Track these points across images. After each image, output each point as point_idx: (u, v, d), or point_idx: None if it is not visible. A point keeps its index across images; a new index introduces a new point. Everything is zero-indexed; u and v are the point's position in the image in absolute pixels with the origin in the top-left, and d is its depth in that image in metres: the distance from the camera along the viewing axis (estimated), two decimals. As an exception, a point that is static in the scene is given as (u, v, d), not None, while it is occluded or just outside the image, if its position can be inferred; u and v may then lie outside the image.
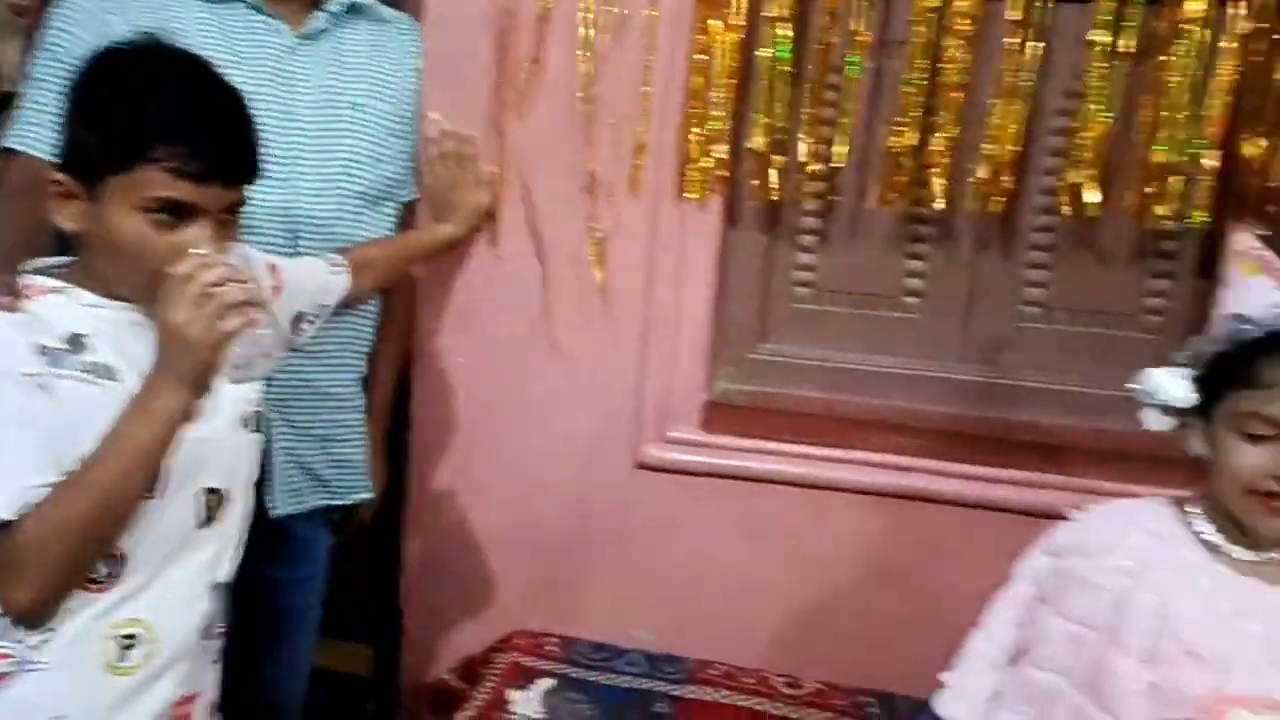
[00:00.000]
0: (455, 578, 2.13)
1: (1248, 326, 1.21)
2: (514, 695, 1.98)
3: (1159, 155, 1.69)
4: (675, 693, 2.00)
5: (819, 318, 2.01)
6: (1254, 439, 1.20)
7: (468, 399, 2.03)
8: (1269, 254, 1.29)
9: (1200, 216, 1.69)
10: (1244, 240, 1.32)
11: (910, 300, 1.98)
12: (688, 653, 2.07)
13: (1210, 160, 1.65)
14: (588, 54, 1.79)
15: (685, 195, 1.77)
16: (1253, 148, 1.64)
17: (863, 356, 2.00)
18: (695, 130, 1.73)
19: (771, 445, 1.93)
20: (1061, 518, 1.80)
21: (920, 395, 1.95)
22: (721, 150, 1.74)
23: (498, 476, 2.06)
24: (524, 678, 2.03)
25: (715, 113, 1.73)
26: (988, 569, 1.86)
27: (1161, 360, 1.88)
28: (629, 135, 1.81)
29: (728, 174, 1.80)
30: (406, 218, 1.85)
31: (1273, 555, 1.26)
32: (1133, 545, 1.26)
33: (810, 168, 1.77)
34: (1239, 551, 1.25)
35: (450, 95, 1.85)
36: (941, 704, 1.44)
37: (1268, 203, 1.67)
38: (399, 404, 2.02)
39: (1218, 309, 1.33)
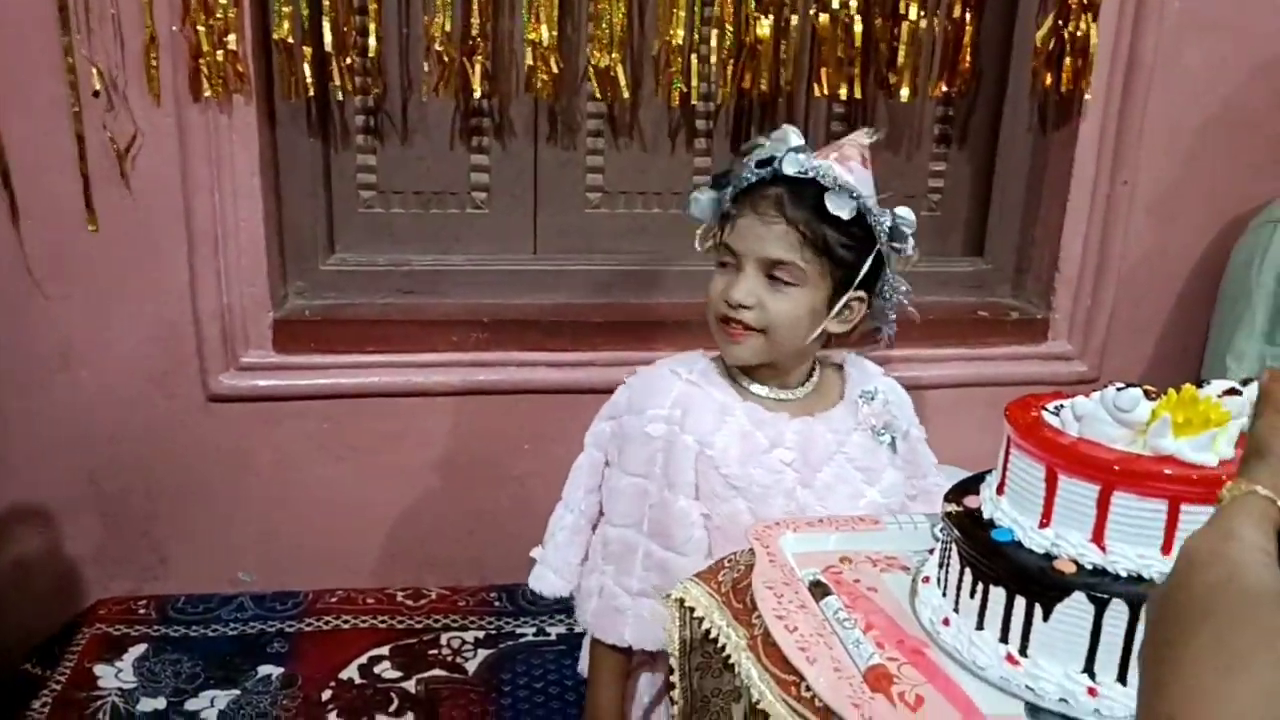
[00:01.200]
0: (13, 559, 1.87)
1: (739, 175, 1.32)
2: (101, 670, 1.80)
3: (677, 37, 1.77)
4: (291, 629, 1.91)
5: (386, 221, 1.95)
6: (722, 268, 1.32)
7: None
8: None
9: (725, 92, 1.80)
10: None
11: (477, 195, 1.96)
12: (303, 586, 1.98)
13: (726, 39, 1.76)
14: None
15: (205, 95, 1.61)
16: (763, 26, 1.77)
17: (436, 258, 1.96)
18: (204, 21, 1.56)
19: (351, 358, 1.86)
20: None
21: (496, 290, 1.95)
22: (233, 42, 1.58)
23: (43, 433, 1.81)
24: (112, 649, 1.84)
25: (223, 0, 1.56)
26: (580, 449, 1.95)
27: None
28: (138, 30, 1.60)
29: (246, 70, 1.63)
30: None
31: (796, 394, 1.39)
32: (674, 395, 1.35)
33: (346, 59, 1.68)
34: (765, 390, 1.37)
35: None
36: (534, 579, 1.47)
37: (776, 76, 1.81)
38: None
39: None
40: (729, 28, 1.76)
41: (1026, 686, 0.86)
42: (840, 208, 1.26)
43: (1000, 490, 0.93)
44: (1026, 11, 1.91)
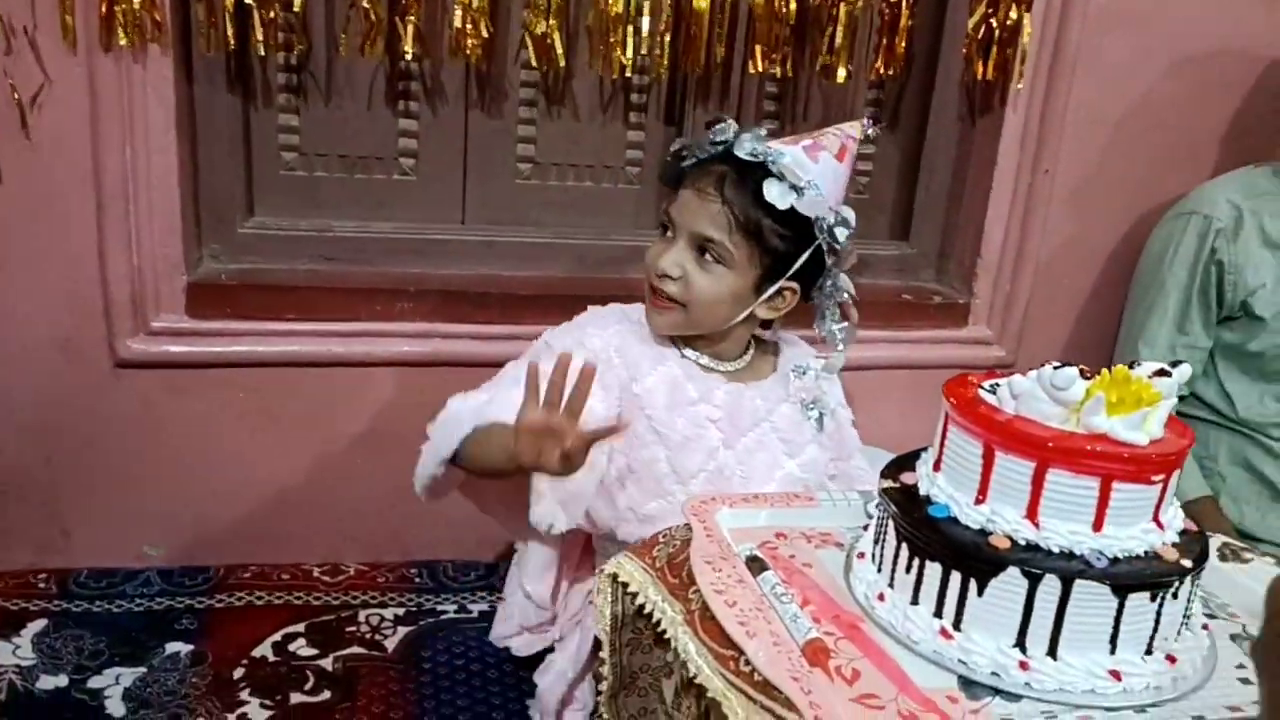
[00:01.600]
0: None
1: (692, 151, 1.34)
2: (-5, 646, 1.72)
3: (616, 5, 1.74)
4: (201, 605, 1.85)
5: (309, 184, 1.88)
6: (662, 234, 1.34)
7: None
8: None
9: (661, 66, 1.78)
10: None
11: (405, 161, 1.91)
12: (214, 561, 1.92)
13: (664, 11, 1.74)
14: None
15: (119, 43, 1.52)
16: (700, 1, 1.75)
17: (360, 224, 1.91)
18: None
19: (269, 326, 1.79)
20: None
21: (422, 260, 1.91)
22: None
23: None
24: (9, 624, 1.76)
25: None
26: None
27: (643, 209, 2.05)
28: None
29: (163, 18, 1.55)
30: None
31: (728, 366, 1.40)
32: (616, 327, 1.36)
33: (268, 12, 1.61)
34: (697, 355, 1.37)
35: None
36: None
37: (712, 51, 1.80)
38: None
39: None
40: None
41: (959, 660, 0.87)
42: (777, 196, 1.27)
43: (937, 467, 0.94)
44: (958, -1, 1.93)
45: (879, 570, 0.95)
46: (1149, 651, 0.86)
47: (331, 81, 1.81)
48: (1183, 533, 0.89)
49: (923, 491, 0.93)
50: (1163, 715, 0.83)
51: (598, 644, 1.16)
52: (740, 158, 1.29)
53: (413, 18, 1.69)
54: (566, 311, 1.89)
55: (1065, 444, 0.84)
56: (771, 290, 1.33)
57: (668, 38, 1.77)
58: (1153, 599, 0.84)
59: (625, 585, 1.10)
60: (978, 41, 1.88)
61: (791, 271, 1.33)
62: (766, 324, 1.44)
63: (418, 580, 1.92)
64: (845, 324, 1.40)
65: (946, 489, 0.91)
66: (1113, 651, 0.85)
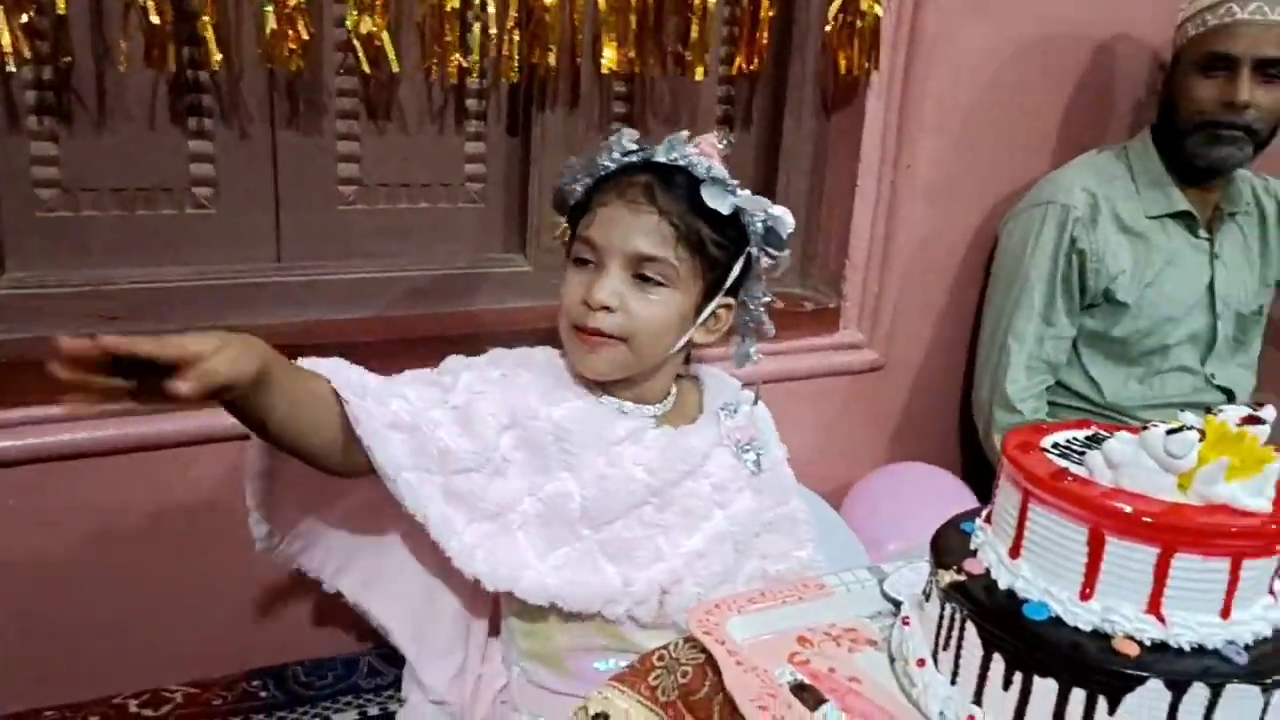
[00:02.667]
0: None
1: (604, 160, 1.17)
2: None
3: (452, 1, 1.50)
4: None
5: (75, 227, 1.50)
6: (579, 265, 1.16)
7: None
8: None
9: (511, 68, 1.55)
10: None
11: (201, 192, 1.57)
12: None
13: (512, 10, 1.51)
14: None
15: None
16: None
17: (148, 272, 1.55)
18: None
19: (38, 411, 1.41)
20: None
21: (231, 309, 1.58)
22: None
23: None
24: None
25: None
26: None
27: (489, 231, 1.81)
28: None
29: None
30: None
31: (655, 409, 1.22)
32: (535, 375, 1.19)
33: (20, 17, 1.24)
34: (625, 406, 1.19)
35: None
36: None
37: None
38: None
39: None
40: (510, -7, 1.51)
41: (1092, 792, 0.72)
42: (718, 201, 1.12)
43: (1015, 553, 0.78)
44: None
45: (953, 683, 0.79)
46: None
47: (102, 99, 1.44)
48: (1283, 595, 0.78)
49: (1004, 585, 0.78)
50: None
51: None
52: (664, 163, 1.14)
53: (208, 18, 1.36)
54: (416, 357, 1.63)
55: (1196, 523, 0.71)
56: (709, 310, 1.18)
57: (515, 36, 1.53)
58: (1294, 689, 0.73)
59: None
60: (835, 33, 1.76)
61: (728, 285, 1.18)
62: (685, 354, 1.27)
63: (264, 694, 1.59)
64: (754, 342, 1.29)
65: (1037, 582, 0.76)
66: (1257, 758, 0.73)
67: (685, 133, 1.17)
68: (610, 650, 1.16)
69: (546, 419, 1.14)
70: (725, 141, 1.22)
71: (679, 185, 1.12)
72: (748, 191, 1.16)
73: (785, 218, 1.18)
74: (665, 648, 0.90)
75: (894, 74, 1.85)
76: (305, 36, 1.39)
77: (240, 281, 1.60)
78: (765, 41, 1.73)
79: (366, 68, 1.46)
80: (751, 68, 1.75)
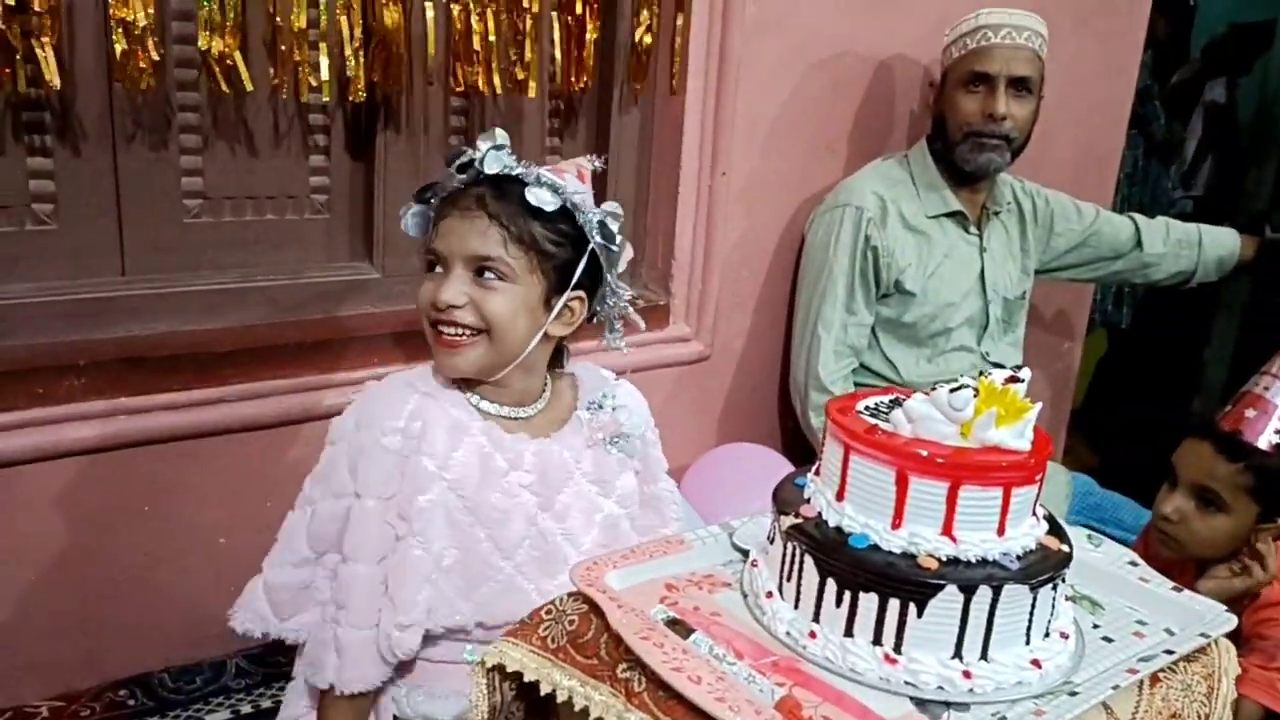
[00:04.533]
0: None
1: (443, 181, 1.27)
2: None
3: (299, 20, 1.57)
4: None
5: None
6: (430, 272, 1.27)
7: None
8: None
9: (358, 87, 1.63)
10: None
11: (41, 208, 1.57)
12: None
13: (357, 32, 1.59)
14: None
15: None
16: (392, 14, 1.62)
17: (-10, 288, 1.54)
18: None
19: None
20: (293, 423, 1.70)
21: (78, 324, 1.58)
22: None
23: None
24: None
25: None
26: (214, 500, 1.67)
27: (336, 240, 1.87)
28: None
29: None
30: None
31: (531, 410, 1.32)
32: (410, 407, 1.24)
33: None
34: (500, 409, 1.29)
35: None
36: (238, 620, 1.30)
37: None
38: None
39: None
40: (355, 11, 1.59)
41: (907, 682, 0.90)
42: (541, 200, 1.24)
43: (840, 497, 0.95)
44: (625, 10, 1.96)
45: (796, 607, 0.96)
46: (1046, 635, 0.95)
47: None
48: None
49: (833, 523, 0.95)
50: (1090, 682, 0.92)
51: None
52: (493, 174, 1.25)
53: (48, 39, 1.38)
54: (270, 365, 1.70)
55: (974, 460, 0.90)
56: (560, 304, 1.30)
57: (361, 56, 1.61)
58: (1054, 588, 0.93)
59: (502, 672, 1.01)
60: (648, 51, 1.93)
61: (575, 280, 1.30)
62: (558, 354, 1.39)
63: (132, 703, 1.61)
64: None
65: (859, 518, 0.93)
66: (1028, 643, 0.93)
67: (504, 140, 1.28)
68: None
69: (442, 487, 1.23)
70: (595, 164, 1.35)
71: (510, 191, 1.24)
72: (582, 193, 1.28)
73: (614, 211, 1.31)
74: (552, 602, 1.03)
75: (708, 89, 2.03)
76: (155, 57, 1.43)
77: (86, 296, 1.61)
78: (591, 61, 1.88)
79: (224, 86, 1.51)
80: (579, 85, 1.89)
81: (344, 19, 1.58)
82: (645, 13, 1.90)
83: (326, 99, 1.71)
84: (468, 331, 1.24)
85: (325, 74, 1.62)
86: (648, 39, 1.91)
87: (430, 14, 1.67)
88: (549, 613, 1.02)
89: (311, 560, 1.26)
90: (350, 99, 1.66)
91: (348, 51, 1.59)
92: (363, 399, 1.27)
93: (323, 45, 1.61)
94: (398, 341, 1.79)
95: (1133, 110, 2.84)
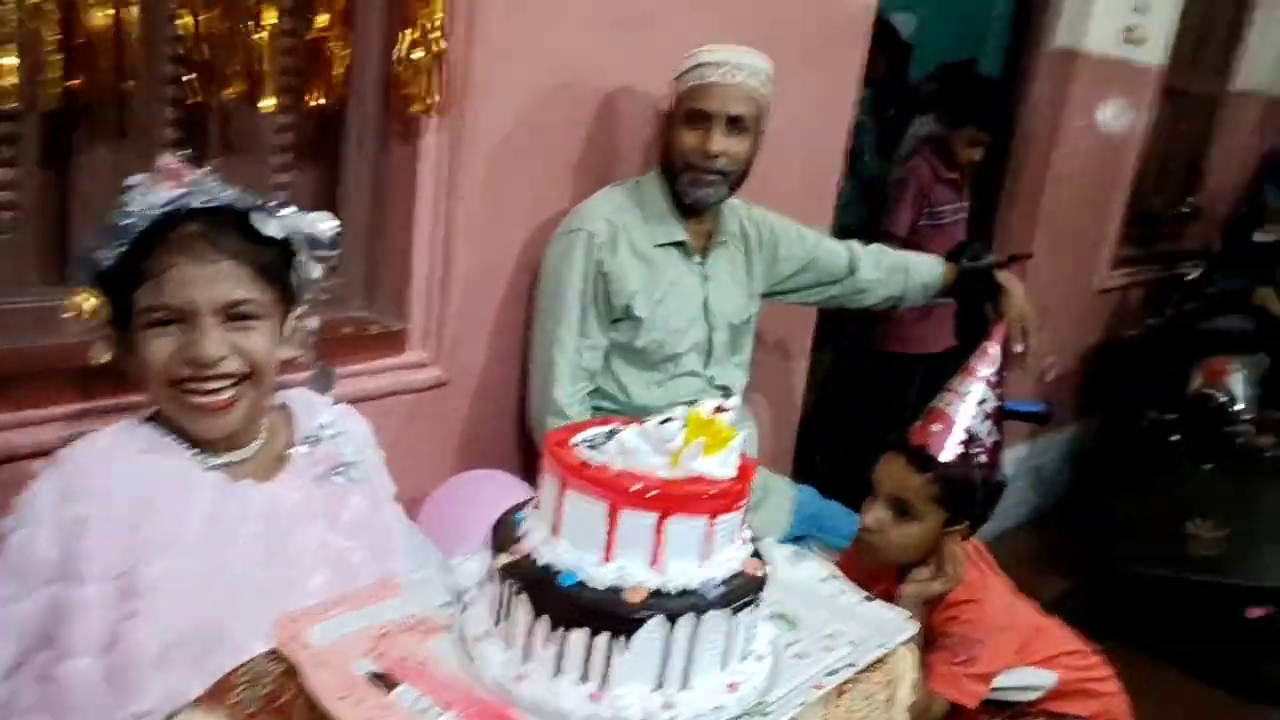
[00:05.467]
0: None
1: (130, 221, 1.17)
2: None
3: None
4: None
5: None
6: (159, 327, 1.18)
7: None
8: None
9: (51, 94, 1.49)
10: None
11: None
12: None
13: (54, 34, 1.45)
14: None
15: None
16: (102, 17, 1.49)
17: None
18: None
19: None
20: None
21: None
22: None
23: None
24: None
25: None
26: None
27: (23, 263, 1.69)
28: None
29: None
30: None
31: (250, 451, 1.26)
32: (132, 470, 1.14)
33: None
34: (222, 459, 1.22)
35: None
36: None
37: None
38: None
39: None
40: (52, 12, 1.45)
41: (612, 719, 0.91)
42: (275, 227, 1.20)
43: (556, 532, 0.96)
44: (370, 27, 1.90)
45: (507, 648, 0.95)
46: (744, 658, 0.99)
47: None
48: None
49: (542, 562, 0.95)
50: (781, 701, 0.97)
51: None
52: (202, 207, 1.18)
53: None
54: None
55: (682, 491, 0.93)
56: (290, 327, 1.26)
57: (58, 58, 1.47)
58: (750, 611, 0.97)
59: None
60: (402, 69, 1.88)
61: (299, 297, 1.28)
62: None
63: None
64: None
65: (571, 554, 0.93)
66: (723, 667, 0.96)
67: (206, 171, 1.21)
68: None
69: (175, 553, 1.14)
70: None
71: (228, 223, 1.17)
72: (288, 209, 1.24)
73: (326, 221, 1.28)
74: (248, 663, 0.97)
75: (450, 111, 2.00)
76: None
77: None
78: (340, 78, 1.81)
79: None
80: (322, 103, 1.81)
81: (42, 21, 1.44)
82: (405, 33, 1.85)
83: (15, 105, 1.54)
84: (231, 382, 1.17)
85: (14, 78, 1.45)
86: (408, 56, 1.86)
87: (136, 13, 1.54)
88: (244, 674, 0.96)
89: (13, 670, 1.11)
90: (28, 105, 1.51)
91: (44, 54, 1.44)
92: (62, 471, 1.15)
93: (10, 46, 1.46)
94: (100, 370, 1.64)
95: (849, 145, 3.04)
